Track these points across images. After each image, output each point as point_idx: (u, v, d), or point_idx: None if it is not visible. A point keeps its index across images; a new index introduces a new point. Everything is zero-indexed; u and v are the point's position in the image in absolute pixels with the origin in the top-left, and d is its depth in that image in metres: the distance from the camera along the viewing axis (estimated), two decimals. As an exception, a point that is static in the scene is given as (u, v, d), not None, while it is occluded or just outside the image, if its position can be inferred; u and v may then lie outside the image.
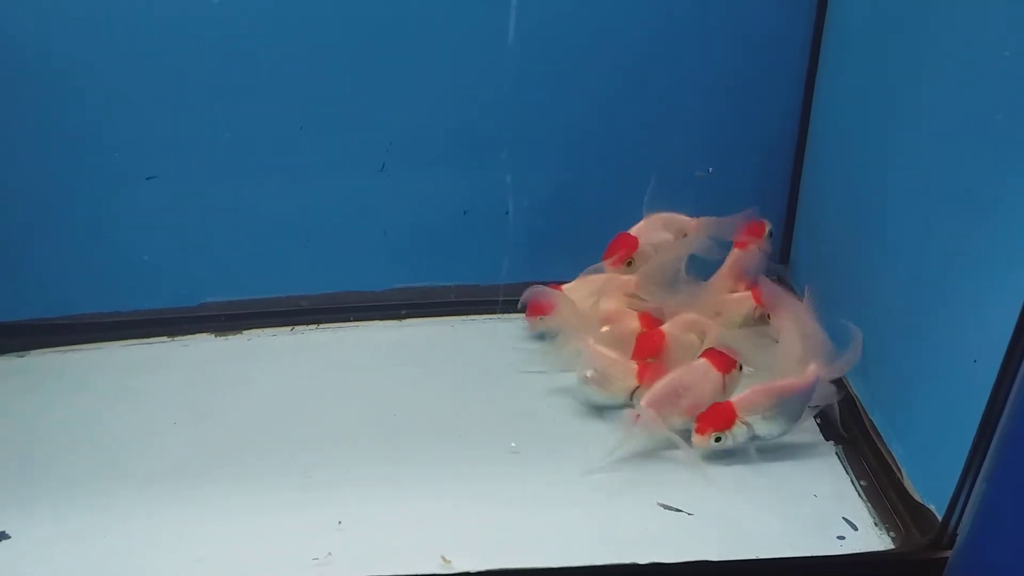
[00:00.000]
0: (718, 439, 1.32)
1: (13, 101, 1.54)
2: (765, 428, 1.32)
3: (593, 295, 1.61)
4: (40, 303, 1.73)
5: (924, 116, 1.24)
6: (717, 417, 1.32)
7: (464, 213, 1.72)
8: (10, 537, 1.27)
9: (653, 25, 1.56)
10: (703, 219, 1.63)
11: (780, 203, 1.72)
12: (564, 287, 1.62)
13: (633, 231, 1.64)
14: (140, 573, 1.20)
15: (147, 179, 1.63)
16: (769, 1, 1.55)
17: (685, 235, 1.63)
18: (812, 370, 1.33)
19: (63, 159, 1.61)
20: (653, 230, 1.64)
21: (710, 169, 1.68)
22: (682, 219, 1.64)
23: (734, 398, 1.34)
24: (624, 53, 1.58)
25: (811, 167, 1.65)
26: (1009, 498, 1.07)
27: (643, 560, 1.18)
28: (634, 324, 1.55)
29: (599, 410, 1.48)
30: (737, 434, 1.32)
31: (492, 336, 1.69)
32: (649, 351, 1.47)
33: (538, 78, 1.60)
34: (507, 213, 1.71)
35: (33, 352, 1.72)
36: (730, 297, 1.60)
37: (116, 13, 1.49)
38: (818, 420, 1.44)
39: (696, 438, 1.33)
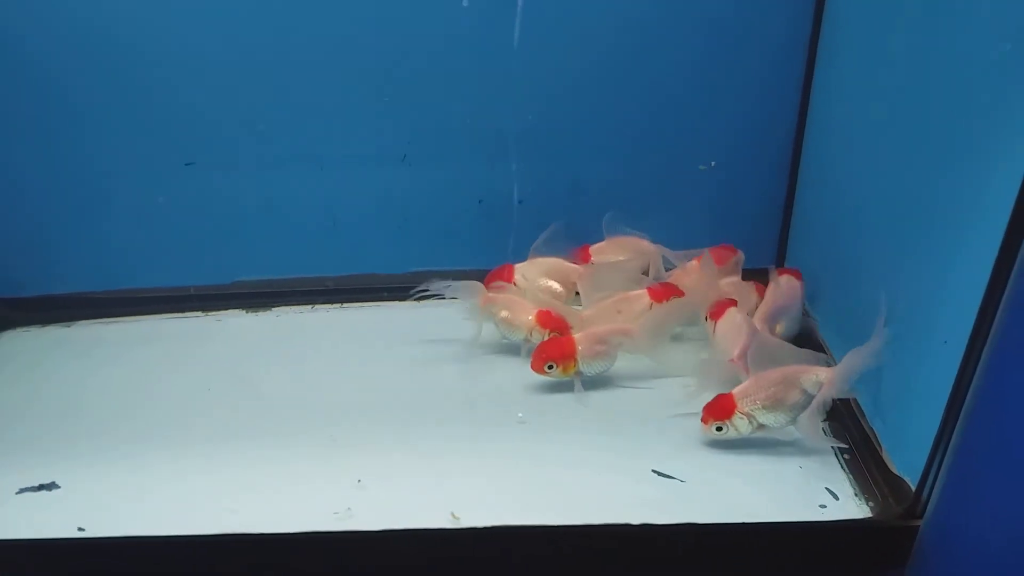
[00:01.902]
0: (719, 428, 1.37)
1: (65, 93, 1.64)
2: (768, 418, 1.36)
3: (540, 276, 1.69)
4: (87, 278, 1.83)
5: (906, 114, 1.29)
6: (718, 407, 1.38)
7: (479, 202, 1.80)
8: (60, 487, 1.36)
9: (653, 25, 1.62)
10: (659, 247, 1.70)
11: (779, 196, 1.77)
12: (517, 266, 1.71)
13: (593, 248, 1.72)
14: (178, 522, 1.27)
15: (186, 165, 1.73)
16: (770, 1, 1.60)
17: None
18: (823, 372, 1.34)
19: (111, 145, 1.70)
20: (611, 251, 1.72)
21: (712, 163, 1.74)
22: (643, 244, 1.71)
23: (735, 389, 1.38)
24: (624, 53, 1.65)
25: (807, 162, 1.70)
26: (973, 470, 1.13)
27: (635, 521, 1.24)
28: (528, 316, 1.60)
29: (601, 385, 1.55)
30: (739, 424, 1.36)
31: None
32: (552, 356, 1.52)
33: (544, 76, 1.67)
34: (520, 202, 1.79)
35: (79, 323, 1.82)
36: (629, 295, 1.63)
37: (163, 11, 1.58)
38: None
39: (702, 427, 1.39)
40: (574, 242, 1.74)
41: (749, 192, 1.78)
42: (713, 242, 1.69)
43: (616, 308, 1.62)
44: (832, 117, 1.59)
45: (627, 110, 1.71)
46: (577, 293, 1.71)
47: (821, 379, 1.34)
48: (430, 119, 1.72)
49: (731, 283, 1.67)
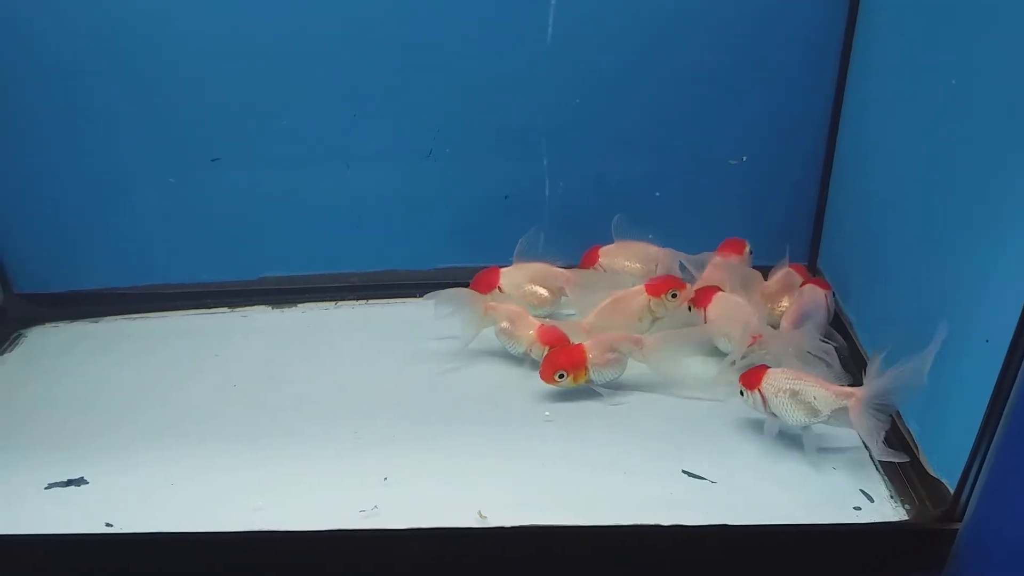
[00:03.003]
0: (741, 392, 1.38)
1: (90, 90, 1.65)
2: (780, 408, 1.34)
3: (526, 281, 1.68)
4: (113, 274, 1.84)
5: (946, 110, 1.27)
6: (748, 376, 1.39)
7: (505, 198, 1.79)
8: (88, 483, 1.37)
9: (686, 20, 1.60)
10: (668, 251, 1.68)
11: (811, 192, 1.75)
12: (502, 270, 1.69)
13: (603, 250, 1.71)
14: (204, 519, 1.28)
15: (212, 161, 1.73)
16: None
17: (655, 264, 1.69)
18: (848, 392, 1.31)
19: (138, 142, 1.71)
20: (619, 255, 1.70)
21: (743, 158, 1.72)
22: (651, 249, 1.69)
23: (775, 368, 1.38)
24: (656, 48, 1.63)
25: (840, 157, 1.68)
26: (1015, 472, 1.10)
27: (666, 522, 1.23)
28: (530, 331, 1.57)
29: (629, 385, 1.53)
30: (755, 400, 1.37)
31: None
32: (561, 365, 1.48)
33: (575, 73, 1.65)
34: (547, 197, 1.78)
35: (106, 318, 1.83)
36: (625, 293, 1.61)
37: (188, 7, 1.58)
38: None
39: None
40: (587, 241, 1.73)
41: (781, 188, 1.75)
42: (747, 239, 1.66)
43: (613, 308, 1.60)
44: (867, 111, 1.57)
45: (658, 105, 1.69)
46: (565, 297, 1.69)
47: (844, 405, 1.31)
48: (456, 115, 1.71)
49: (781, 277, 1.64)
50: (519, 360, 1.61)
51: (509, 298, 1.68)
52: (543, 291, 1.69)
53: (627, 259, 1.70)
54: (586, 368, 1.48)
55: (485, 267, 1.77)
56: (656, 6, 1.60)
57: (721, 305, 1.55)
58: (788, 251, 1.66)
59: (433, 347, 1.67)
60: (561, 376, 1.48)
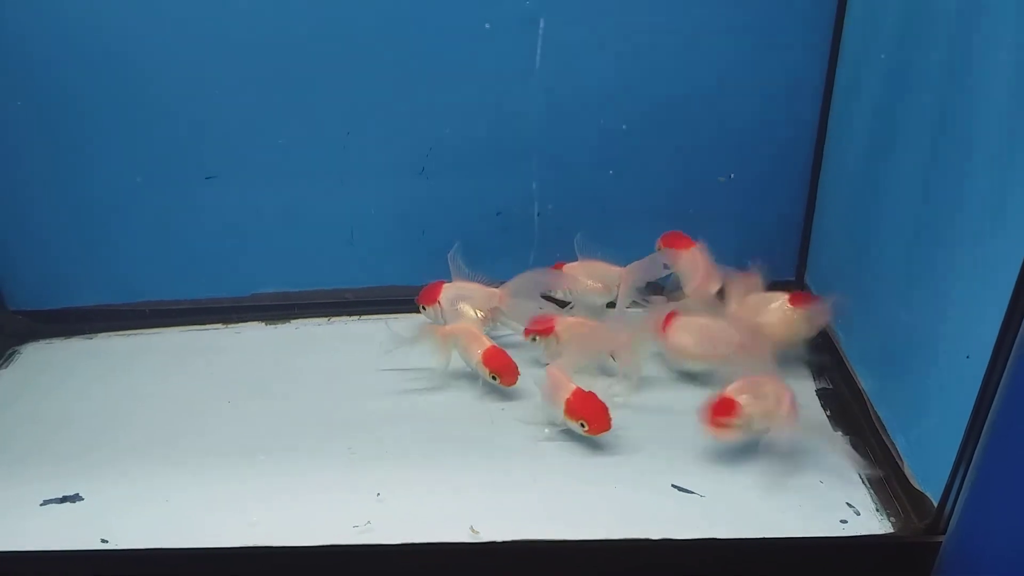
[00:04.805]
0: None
1: (88, 109, 1.66)
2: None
3: (459, 300, 1.68)
4: (108, 290, 1.85)
5: (928, 124, 1.29)
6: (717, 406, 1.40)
7: (497, 214, 1.81)
8: (83, 499, 1.38)
9: (673, 40, 1.62)
10: (631, 269, 1.68)
11: (799, 209, 1.77)
12: (444, 285, 1.70)
13: (566, 268, 1.72)
14: (199, 534, 1.29)
15: (207, 178, 1.75)
16: (788, 13, 1.60)
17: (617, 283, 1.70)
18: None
19: (134, 159, 1.72)
20: (580, 273, 1.71)
21: (731, 175, 1.75)
22: (610, 268, 1.70)
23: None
24: (642, 68, 1.65)
25: (826, 173, 1.70)
26: (996, 485, 1.12)
27: (655, 536, 1.24)
28: (478, 351, 1.56)
29: (623, 403, 1.54)
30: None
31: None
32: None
33: (562, 94, 1.67)
34: (537, 215, 1.80)
35: (101, 335, 1.84)
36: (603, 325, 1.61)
37: (182, 28, 1.60)
38: (828, 412, 1.51)
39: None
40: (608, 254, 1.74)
41: (768, 204, 1.77)
42: (735, 255, 1.67)
43: (592, 335, 1.59)
44: (852, 128, 1.59)
45: (645, 124, 1.71)
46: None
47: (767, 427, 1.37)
48: (448, 132, 1.72)
49: (755, 300, 1.63)
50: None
51: (446, 313, 1.69)
52: (471, 312, 1.69)
53: (589, 278, 1.72)
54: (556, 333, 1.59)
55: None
56: (642, 27, 1.61)
57: (682, 328, 1.56)
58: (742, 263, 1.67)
59: (425, 363, 1.66)
60: (534, 339, 1.60)
